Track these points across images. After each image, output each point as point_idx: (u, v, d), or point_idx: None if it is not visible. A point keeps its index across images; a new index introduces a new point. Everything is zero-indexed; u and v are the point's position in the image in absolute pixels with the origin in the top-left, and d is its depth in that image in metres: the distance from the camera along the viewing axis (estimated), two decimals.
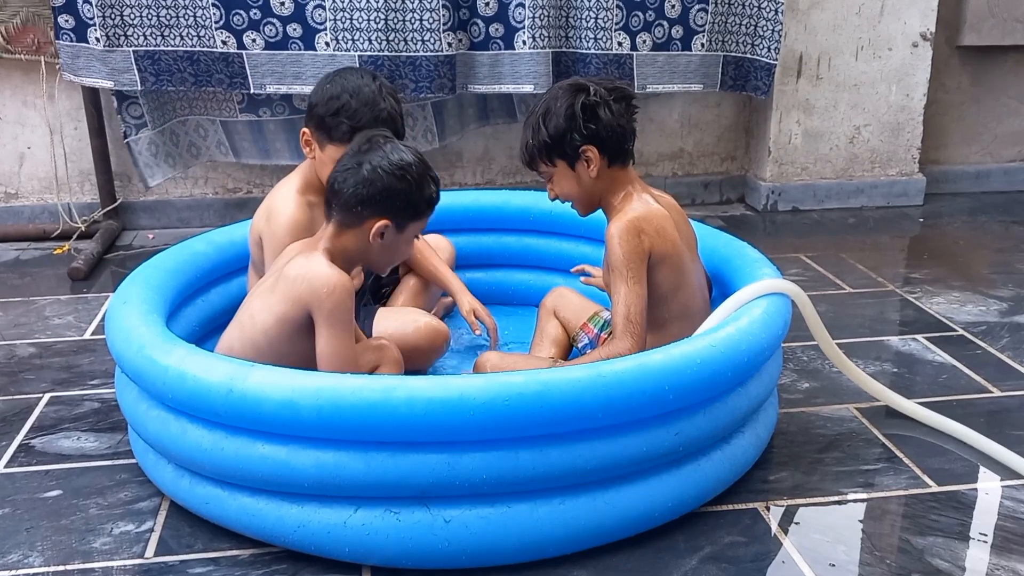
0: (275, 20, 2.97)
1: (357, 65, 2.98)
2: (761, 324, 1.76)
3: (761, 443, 1.88)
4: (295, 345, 1.75)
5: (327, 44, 3.00)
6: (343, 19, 2.98)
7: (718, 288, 2.10)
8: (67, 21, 2.94)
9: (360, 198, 1.73)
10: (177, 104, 3.19)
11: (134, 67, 2.97)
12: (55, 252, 3.17)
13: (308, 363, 1.75)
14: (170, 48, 2.97)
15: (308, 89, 3.01)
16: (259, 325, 1.75)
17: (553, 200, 1.98)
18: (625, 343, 1.83)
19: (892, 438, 1.99)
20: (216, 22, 2.95)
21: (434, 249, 2.39)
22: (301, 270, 1.73)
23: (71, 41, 2.97)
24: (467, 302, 2.31)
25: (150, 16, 2.94)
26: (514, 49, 3.10)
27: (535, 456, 1.54)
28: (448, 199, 2.68)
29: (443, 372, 2.21)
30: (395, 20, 3.00)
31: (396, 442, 1.52)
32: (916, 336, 2.50)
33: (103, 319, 2.58)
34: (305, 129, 2.02)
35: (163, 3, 2.93)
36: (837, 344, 2.03)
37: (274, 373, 1.57)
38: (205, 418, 1.61)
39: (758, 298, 1.84)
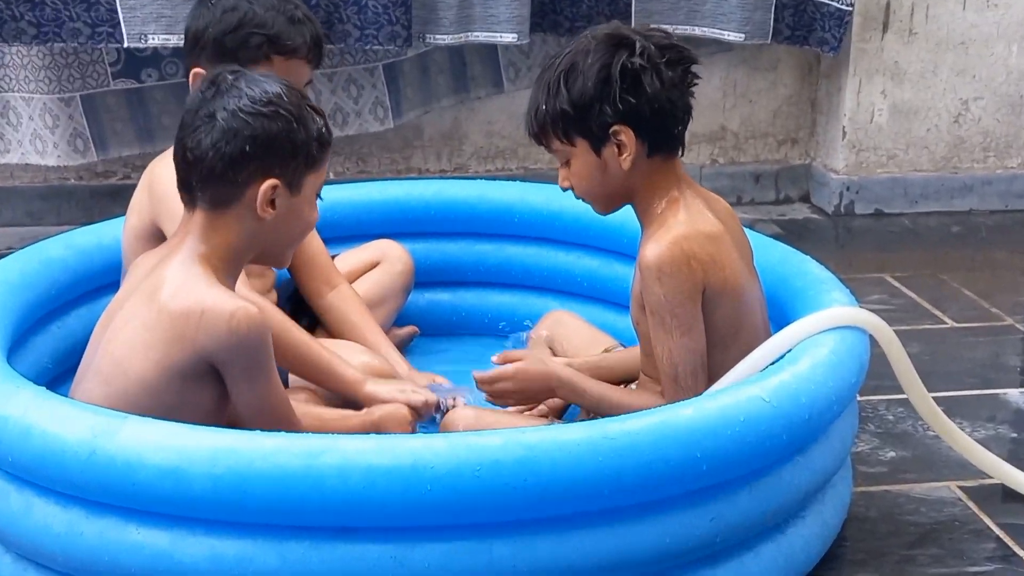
0: None
1: None
2: (827, 369, 1.76)
3: (829, 533, 1.88)
4: (186, 397, 1.74)
5: None
6: None
7: (771, 321, 2.11)
8: None
9: (229, 158, 1.72)
10: (20, 72, 3.15)
11: None
12: None
13: (211, 417, 1.75)
14: None
15: None
16: (133, 375, 1.73)
17: (565, 190, 1.98)
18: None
19: (1009, 528, 2.00)
20: None
21: (358, 300, 2.34)
22: (185, 303, 1.70)
23: None
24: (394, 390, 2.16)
25: None
26: None
27: (516, 549, 1.54)
28: (403, 191, 2.71)
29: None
30: None
31: (324, 527, 1.52)
32: None
33: None
34: (198, 68, 2.06)
35: None
36: (935, 398, 2.04)
37: (155, 428, 1.57)
38: (58, 490, 1.60)
39: (824, 333, 1.85)
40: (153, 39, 3.04)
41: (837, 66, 3.61)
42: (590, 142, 1.89)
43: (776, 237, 2.62)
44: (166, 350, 1.71)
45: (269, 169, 1.75)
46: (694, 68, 1.92)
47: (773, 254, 2.23)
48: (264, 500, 1.50)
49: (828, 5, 3.32)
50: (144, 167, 2.17)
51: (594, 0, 3.21)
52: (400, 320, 2.54)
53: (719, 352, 1.91)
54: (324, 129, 1.80)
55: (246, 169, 1.73)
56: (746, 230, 2.31)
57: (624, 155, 1.88)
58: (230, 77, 1.77)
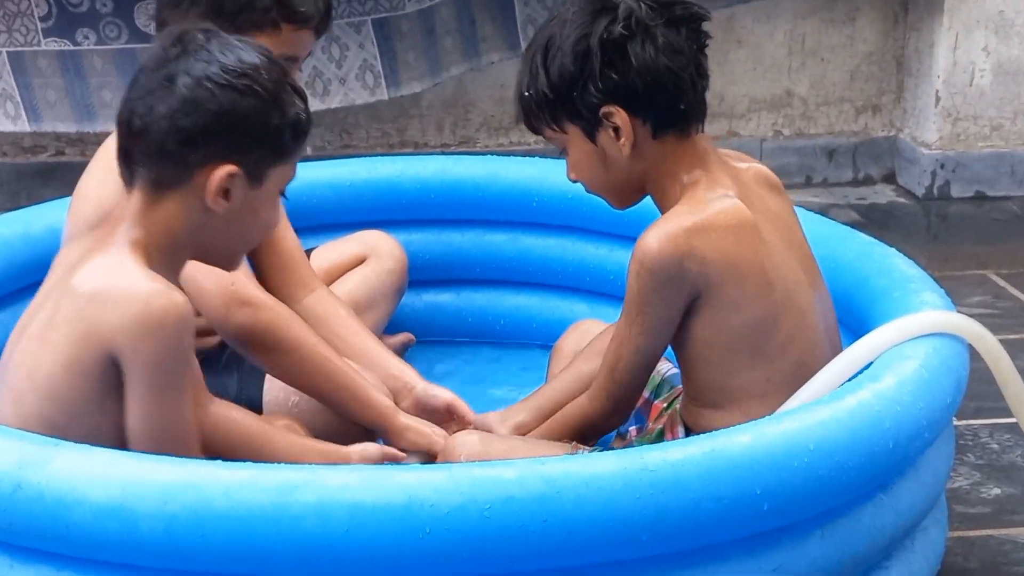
0: None
1: None
2: (917, 385, 1.77)
3: None
4: (107, 412, 1.74)
5: None
6: None
7: (845, 329, 2.12)
8: None
9: (183, 133, 1.73)
10: None
11: None
12: None
13: (115, 434, 1.76)
14: None
15: None
16: (42, 386, 1.73)
17: (574, 182, 2.01)
18: (596, 405, 1.92)
19: None
20: None
21: (340, 304, 2.34)
22: (96, 283, 1.71)
23: None
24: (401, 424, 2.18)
25: None
26: None
27: None
28: (395, 170, 2.72)
29: None
30: None
31: None
32: None
33: None
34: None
35: None
36: None
37: (94, 457, 1.57)
38: None
39: (912, 342, 1.85)
40: None
41: (929, 16, 3.61)
42: (581, 127, 1.92)
43: (854, 225, 2.63)
44: (72, 346, 1.71)
45: (229, 153, 1.75)
46: (704, 24, 1.92)
47: (850, 247, 2.25)
48: (227, 545, 1.50)
49: None
50: (79, 141, 2.19)
51: None
52: (392, 327, 2.55)
53: (758, 367, 1.92)
54: (303, 115, 1.81)
55: (202, 149, 1.74)
56: (814, 215, 2.32)
57: (621, 140, 1.90)
58: (200, 36, 1.77)
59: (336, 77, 3.37)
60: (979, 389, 2.01)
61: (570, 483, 1.53)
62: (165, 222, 1.76)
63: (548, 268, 2.65)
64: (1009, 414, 2.01)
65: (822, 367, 1.91)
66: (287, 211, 2.27)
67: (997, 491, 2.25)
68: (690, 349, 1.97)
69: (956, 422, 2.13)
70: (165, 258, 1.77)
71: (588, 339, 2.28)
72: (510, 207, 2.64)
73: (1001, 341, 1.96)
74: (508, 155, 3.09)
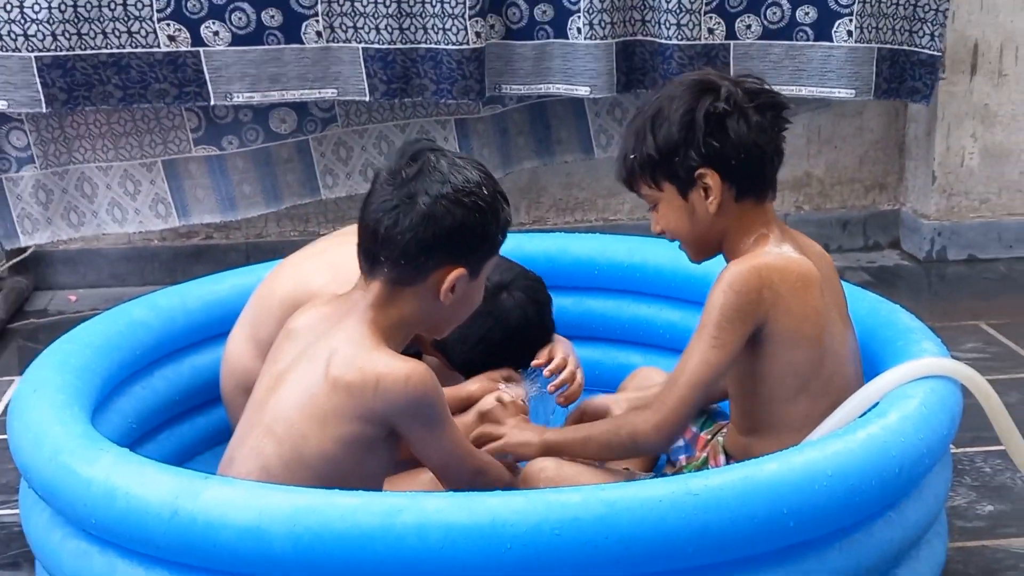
0: (245, 4, 3.04)
1: (362, 66, 3.03)
2: (918, 420, 1.75)
3: None
4: (365, 464, 1.77)
5: (318, 35, 3.07)
6: (341, 1, 3.05)
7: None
8: None
9: (422, 244, 1.73)
10: (98, 142, 3.21)
11: (36, 80, 2.99)
12: None
13: (378, 479, 1.81)
14: (88, 52, 2.99)
15: (290, 95, 3.07)
16: (313, 446, 1.74)
17: (658, 234, 2.00)
18: (653, 416, 1.87)
19: None
20: (159, 10, 2.99)
21: None
22: (362, 375, 1.72)
23: None
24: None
25: (63, 7, 2.94)
26: (567, 38, 3.15)
27: None
28: None
29: None
30: (410, 3, 3.06)
31: None
32: None
33: (4, 414, 2.63)
34: None
35: None
36: None
37: (235, 489, 1.59)
38: (141, 551, 1.62)
39: (913, 383, 1.83)
40: (238, 96, 3.10)
41: (925, 110, 3.59)
42: (677, 186, 1.92)
43: (866, 285, 2.61)
44: (346, 426, 1.73)
45: (459, 257, 1.77)
46: (785, 113, 1.93)
47: (862, 304, 2.21)
48: (343, 560, 1.51)
49: (919, 52, 3.27)
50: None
51: (687, 58, 3.18)
52: None
53: (801, 402, 1.90)
54: (510, 217, 1.83)
55: (438, 256, 1.75)
56: None
57: (710, 199, 1.89)
58: (432, 157, 1.77)
59: None
60: (973, 421, 1.98)
61: (626, 506, 1.53)
62: (399, 310, 1.78)
63: (607, 325, 2.64)
64: (999, 442, 1.99)
65: None
66: None
67: (991, 508, 2.21)
68: (744, 379, 1.95)
69: (954, 449, 2.11)
70: (397, 336, 1.80)
71: (646, 383, 2.27)
72: (576, 275, 2.63)
73: (992, 381, 1.94)
74: (573, 231, 3.09)
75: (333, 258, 2.13)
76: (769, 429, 1.94)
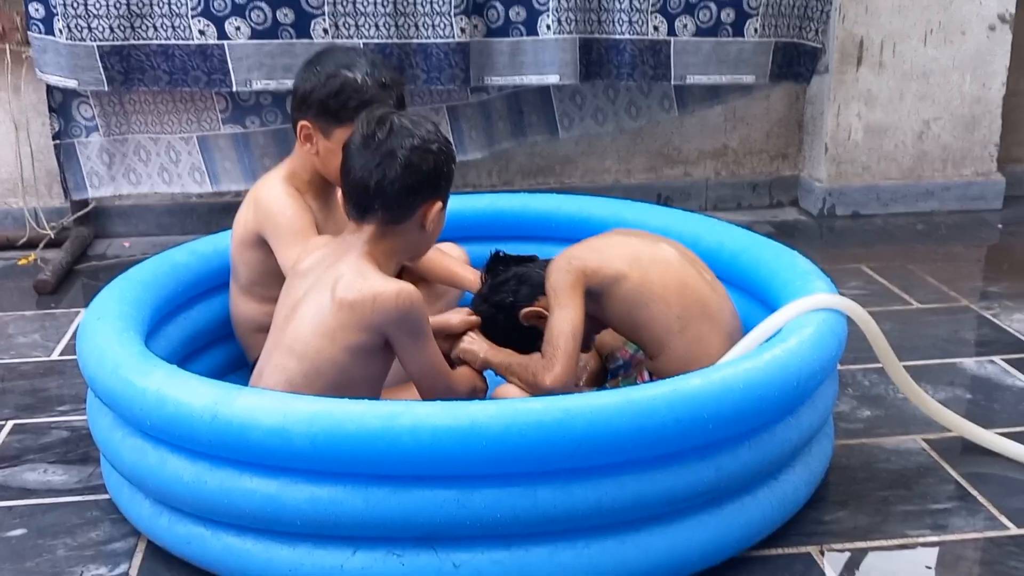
0: (263, 4, 2.99)
1: None
2: (812, 344, 1.77)
3: (815, 479, 1.88)
4: (368, 368, 1.79)
5: (325, 31, 3.03)
6: (344, 2, 3.01)
7: (764, 306, 2.11)
8: (37, 10, 2.97)
9: (411, 188, 1.75)
10: (148, 117, 3.19)
11: (99, 64, 2.98)
12: (19, 263, 3.21)
13: (378, 382, 1.82)
14: (141, 41, 2.97)
15: None
16: (325, 356, 1.75)
17: None
18: (549, 374, 1.87)
19: (966, 474, 1.99)
20: (193, 8, 2.95)
21: (440, 248, 2.39)
22: (361, 294, 1.73)
23: (39, 32, 3.00)
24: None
25: (118, 4, 2.93)
26: (537, 35, 3.12)
27: (556, 493, 1.55)
28: (459, 203, 2.70)
29: None
30: (404, 3, 3.03)
31: (400, 476, 1.54)
32: (994, 358, 2.50)
33: (73, 337, 2.62)
34: (304, 121, 2.05)
35: None
36: (904, 367, 2.03)
37: (263, 397, 1.60)
38: (187, 447, 1.63)
39: (809, 315, 1.85)
40: (256, 83, 3.06)
41: (820, 94, 3.59)
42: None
43: (771, 235, 2.61)
44: (351, 336, 1.74)
45: (436, 192, 1.79)
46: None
47: (767, 250, 2.23)
48: (352, 453, 1.53)
49: (805, 44, 3.32)
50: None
51: (637, 51, 3.18)
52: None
53: (648, 311, 1.93)
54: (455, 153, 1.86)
55: (421, 195, 1.77)
56: (741, 230, 2.32)
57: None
58: (395, 119, 1.78)
59: None
60: (857, 344, 2.01)
61: (579, 412, 1.54)
62: (391, 244, 1.80)
63: None
64: (876, 361, 2.02)
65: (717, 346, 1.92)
66: None
67: (868, 413, 2.24)
68: (619, 324, 2.01)
69: (840, 367, 2.13)
70: (389, 264, 1.81)
71: None
72: (536, 227, 2.62)
73: (872, 312, 1.96)
74: (536, 192, 3.08)
75: (252, 193, 2.13)
76: (656, 342, 1.96)
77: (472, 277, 2.26)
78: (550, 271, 1.97)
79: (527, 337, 2.02)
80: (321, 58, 2.10)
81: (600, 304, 1.96)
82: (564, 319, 1.90)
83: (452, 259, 2.35)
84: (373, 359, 1.78)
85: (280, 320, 1.85)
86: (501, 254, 2.10)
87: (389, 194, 1.75)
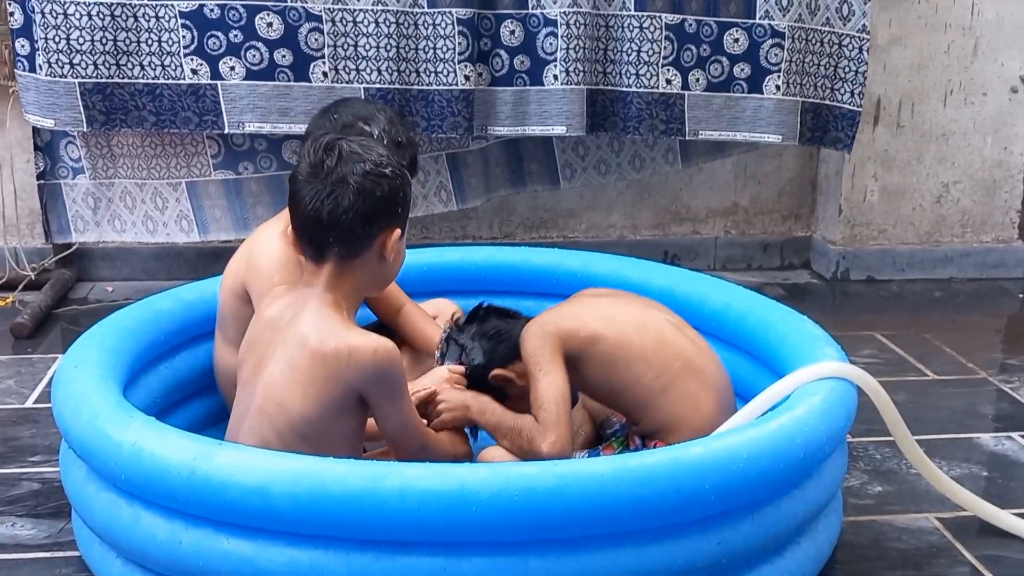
0: (260, 44, 3.00)
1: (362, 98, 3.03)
2: (820, 413, 1.77)
3: (821, 556, 1.87)
4: (343, 425, 1.77)
5: (324, 75, 3.05)
6: (345, 45, 3.03)
7: (770, 372, 2.11)
8: (23, 46, 2.96)
9: (366, 216, 1.72)
10: (135, 161, 3.19)
11: (79, 103, 2.96)
12: None
13: (356, 439, 1.80)
14: (126, 80, 2.96)
15: (298, 128, 3.02)
16: (296, 413, 1.73)
17: None
18: (547, 440, 1.87)
19: (982, 557, 1.98)
20: (186, 46, 2.96)
21: (426, 312, 2.38)
22: (337, 348, 1.71)
23: (23, 70, 2.99)
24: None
25: (104, 40, 2.91)
26: (543, 85, 3.15)
27: (548, 564, 1.54)
28: (459, 256, 2.74)
29: None
30: (407, 48, 3.06)
31: (385, 541, 1.53)
32: (1012, 434, 2.49)
33: (49, 385, 2.62)
34: None
35: (121, 24, 2.91)
36: (917, 441, 2.02)
37: (244, 454, 1.60)
38: (163, 504, 1.63)
39: (817, 383, 1.85)
40: (249, 126, 3.07)
41: (835, 154, 3.61)
42: None
43: (780, 299, 2.63)
44: (323, 388, 1.72)
45: (393, 219, 1.77)
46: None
47: (776, 313, 2.23)
48: (335, 515, 1.52)
49: (841, 107, 3.27)
50: (240, 241, 2.22)
51: (644, 104, 3.19)
52: None
53: (629, 372, 1.94)
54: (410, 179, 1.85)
55: (377, 222, 1.74)
56: (750, 292, 2.33)
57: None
58: (344, 144, 1.74)
59: (420, 194, 3.39)
60: (869, 416, 2.00)
61: (574, 478, 1.54)
62: (351, 281, 1.77)
63: None
64: (888, 433, 2.01)
65: (704, 418, 1.92)
66: None
67: (879, 489, 2.23)
68: (601, 390, 2.02)
69: (850, 439, 2.12)
70: (352, 306, 1.79)
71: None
72: (537, 283, 2.63)
73: (883, 382, 1.96)
74: (537, 246, 3.10)
75: (249, 243, 2.14)
76: (640, 406, 1.96)
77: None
78: (525, 339, 1.96)
79: (492, 392, 2.02)
80: (339, 107, 2.12)
81: (578, 371, 1.96)
82: (550, 384, 1.91)
83: (432, 326, 2.33)
84: (347, 415, 1.76)
85: (247, 374, 1.83)
86: (485, 306, 2.10)
87: (343, 224, 1.71)
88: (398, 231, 1.77)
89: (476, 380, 2.02)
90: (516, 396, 2.02)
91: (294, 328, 1.76)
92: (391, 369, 1.74)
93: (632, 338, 1.95)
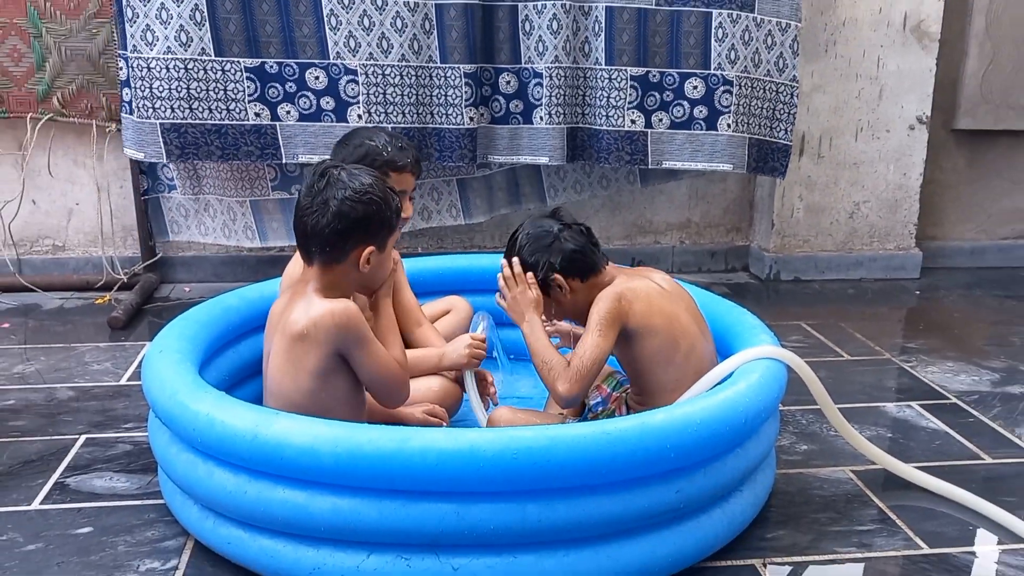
0: (309, 93, 3.03)
1: None
2: (758, 388, 1.77)
3: (759, 502, 1.87)
4: (336, 391, 1.75)
5: (359, 116, 3.06)
6: (376, 94, 3.05)
7: (718, 354, 2.10)
8: (126, 94, 2.99)
9: (340, 233, 1.71)
10: (215, 182, 3.23)
11: (160, 139, 2.98)
12: (97, 302, 3.22)
13: (354, 404, 1.77)
14: (197, 121, 2.97)
15: None
16: (294, 388, 1.73)
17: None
18: (564, 386, 1.85)
19: (887, 501, 1.98)
20: (250, 95, 2.98)
21: (425, 317, 2.34)
22: (306, 319, 1.71)
23: (126, 112, 3.01)
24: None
25: (179, 88, 2.93)
26: (532, 124, 3.16)
27: (542, 509, 1.54)
28: (467, 261, 2.74)
29: (459, 425, 2.21)
30: (424, 95, 3.07)
31: (409, 491, 1.53)
32: (911, 403, 2.49)
33: (139, 366, 2.62)
34: None
35: (194, 76, 2.93)
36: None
37: (297, 421, 1.59)
38: (230, 462, 1.63)
39: (755, 362, 1.85)
40: (301, 157, 3.08)
41: (768, 179, 3.62)
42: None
43: (725, 295, 2.63)
44: (307, 359, 1.72)
45: (368, 238, 1.75)
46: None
47: (721, 307, 2.23)
48: (369, 471, 1.52)
49: (777, 142, 3.28)
50: (292, 246, 2.22)
51: (614, 140, 3.18)
52: None
53: (669, 372, 1.91)
54: (399, 204, 1.81)
55: (351, 240, 1.74)
56: (702, 290, 2.33)
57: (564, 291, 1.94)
58: (335, 172, 1.74)
59: (434, 210, 3.40)
60: (796, 388, 2.00)
61: (563, 440, 1.54)
62: (333, 280, 1.77)
63: None
64: (813, 402, 2.01)
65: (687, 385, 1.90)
66: (410, 281, 2.30)
67: (805, 447, 2.23)
68: (627, 359, 1.97)
69: (781, 408, 2.12)
70: (335, 295, 1.76)
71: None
72: None
73: (809, 362, 1.95)
74: None
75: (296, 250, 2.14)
76: (650, 391, 1.95)
77: (436, 353, 2.16)
78: (602, 297, 1.90)
79: (545, 288, 1.96)
80: (350, 135, 2.22)
81: (621, 340, 1.91)
82: (597, 346, 1.86)
83: (433, 332, 2.30)
84: (336, 380, 1.74)
85: (264, 363, 1.84)
86: (586, 226, 1.99)
87: (322, 238, 1.72)
88: (372, 248, 1.75)
89: (541, 274, 1.94)
90: (557, 302, 1.96)
91: (283, 318, 1.76)
92: (349, 321, 1.71)
93: (679, 344, 1.91)
